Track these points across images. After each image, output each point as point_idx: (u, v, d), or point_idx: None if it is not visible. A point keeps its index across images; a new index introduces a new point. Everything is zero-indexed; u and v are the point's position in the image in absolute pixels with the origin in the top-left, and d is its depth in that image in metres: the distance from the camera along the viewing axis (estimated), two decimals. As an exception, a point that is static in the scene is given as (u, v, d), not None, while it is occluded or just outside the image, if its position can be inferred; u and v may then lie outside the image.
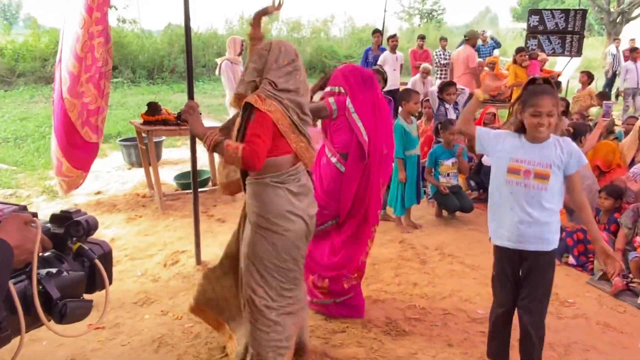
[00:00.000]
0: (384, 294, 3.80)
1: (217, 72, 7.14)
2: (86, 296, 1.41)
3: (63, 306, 1.24)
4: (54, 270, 1.25)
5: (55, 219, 1.38)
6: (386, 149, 3.39)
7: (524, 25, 10.91)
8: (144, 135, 5.57)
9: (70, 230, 1.34)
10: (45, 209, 5.45)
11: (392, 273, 4.14)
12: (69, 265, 1.29)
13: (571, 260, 4.37)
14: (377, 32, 9.20)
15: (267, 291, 2.51)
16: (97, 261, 1.28)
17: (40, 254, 1.23)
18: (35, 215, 1.28)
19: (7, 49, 14.92)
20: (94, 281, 1.31)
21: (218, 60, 7.09)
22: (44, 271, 1.24)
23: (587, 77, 8.10)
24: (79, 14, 4.16)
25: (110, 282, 1.34)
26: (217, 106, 12.38)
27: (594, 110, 8.49)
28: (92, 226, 1.31)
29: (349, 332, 3.28)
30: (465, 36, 9.35)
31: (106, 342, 3.16)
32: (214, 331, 3.23)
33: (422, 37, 11.08)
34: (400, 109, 5.19)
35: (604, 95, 8.89)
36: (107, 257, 1.33)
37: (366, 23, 19.77)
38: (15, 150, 7.63)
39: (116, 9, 17.20)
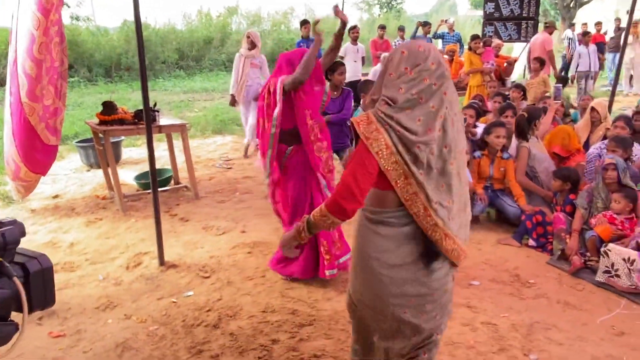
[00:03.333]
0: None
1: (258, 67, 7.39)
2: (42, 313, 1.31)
3: None
4: None
5: None
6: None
7: (482, 12, 11.05)
8: (100, 135, 5.44)
9: None
10: (0, 215, 5.27)
11: (358, 263, 4.16)
12: None
13: (531, 242, 4.47)
14: (305, 23, 9.27)
15: None
16: (15, 279, 1.10)
17: None
18: None
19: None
20: (30, 298, 1.15)
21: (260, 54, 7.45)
22: None
23: (539, 63, 8.25)
24: (32, 13, 4.05)
25: (52, 302, 1.19)
26: (179, 103, 12.20)
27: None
28: (9, 241, 1.13)
29: (317, 324, 3.28)
30: (545, 23, 10.37)
31: (68, 350, 3.07)
32: (179, 333, 3.21)
33: (382, 27, 11.12)
34: (361, 100, 5.20)
35: (564, 80, 9.09)
36: (45, 274, 1.16)
37: (327, 14, 19.67)
38: (-33, 156, 7.33)
39: (68, 7, 16.72)
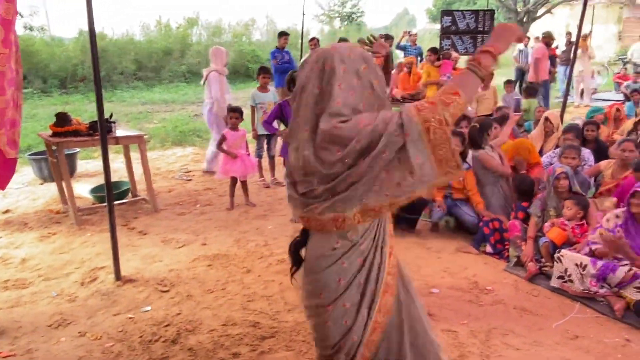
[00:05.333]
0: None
1: (202, 82, 7.11)
2: None
3: None
4: None
5: None
6: None
7: (439, 26, 11.32)
8: (53, 147, 5.28)
9: None
10: (-54, 232, 5.06)
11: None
12: None
13: (488, 248, 4.56)
14: (285, 35, 9.42)
15: None
16: None
17: None
18: None
19: None
20: None
21: (204, 71, 7.06)
22: None
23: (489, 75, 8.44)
24: None
25: None
26: (137, 114, 11.99)
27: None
28: None
29: (278, 336, 3.25)
30: (542, 34, 11.64)
31: (18, 371, 2.96)
32: (137, 349, 3.12)
33: (343, 40, 11.26)
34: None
35: (533, 91, 9.38)
36: None
37: (287, 26, 19.77)
38: None
39: (22, 16, 16.25)
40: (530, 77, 11.24)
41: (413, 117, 1.63)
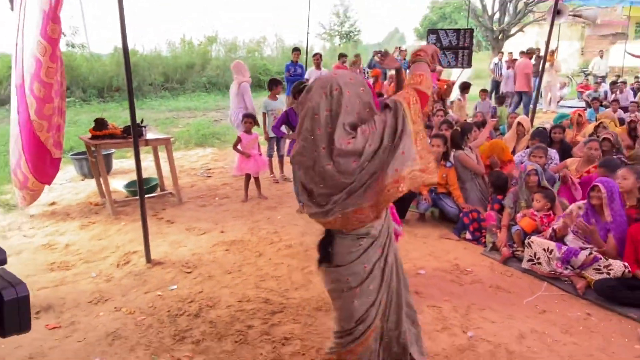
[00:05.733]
0: (315, 277, 3.80)
1: (233, 92, 6.82)
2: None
3: None
4: None
5: None
6: None
7: (425, 43, 11.26)
8: (93, 148, 5.29)
9: None
10: (1, 221, 5.07)
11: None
12: None
13: (468, 236, 4.55)
14: (297, 51, 9.38)
15: None
16: None
17: None
18: None
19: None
20: (2, 324, 1.04)
21: (235, 82, 6.82)
22: None
23: (466, 87, 8.35)
24: (37, 42, 4.01)
25: (27, 328, 1.07)
26: (164, 120, 11.99)
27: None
28: None
29: (286, 311, 3.26)
30: (527, 50, 11.87)
31: (63, 340, 2.97)
32: (164, 322, 3.13)
33: (344, 56, 11.26)
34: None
35: (502, 100, 9.40)
36: (20, 302, 1.05)
37: (294, 43, 19.70)
38: (-31, 169, 7.02)
39: (65, 35, 16.21)
40: (518, 87, 11.23)
41: (397, 102, 1.80)
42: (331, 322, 3.10)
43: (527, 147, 5.70)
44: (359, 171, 1.75)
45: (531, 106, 12.70)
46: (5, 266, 1.09)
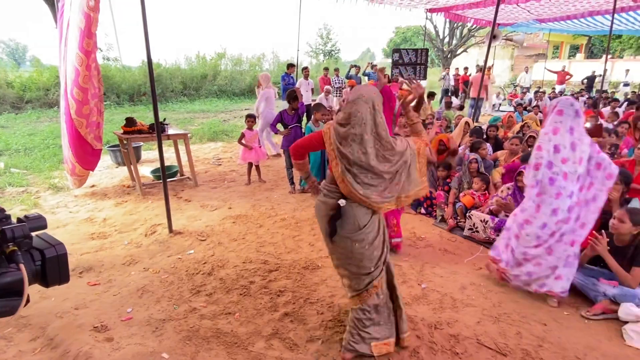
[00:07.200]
0: (304, 244, 3.80)
1: (264, 96, 6.78)
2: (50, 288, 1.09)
3: None
4: None
5: None
6: None
7: (390, 60, 11.20)
8: (125, 142, 5.15)
9: None
10: (50, 201, 4.93)
11: (308, 228, 4.15)
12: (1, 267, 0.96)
13: (422, 210, 4.58)
14: (292, 66, 9.17)
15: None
16: (21, 266, 0.94)
17: None
18: None
19: (15, 82, 13.28)
20: (45, 277, 1.01)
21: (263, 89, 6.85)
22: None
23: (428, 95, 8.39)
24: (76, 55, 3.91)
25: (66, 279, 1.04)
26: (183, 119, 11.75)
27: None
28: (17, 235, 0.96)
29: (280, 270, 3.25)
30: (477, 65, 12.12)
31: (102, 294, 2.92)
32: (184, 279, 3.10)
33: (326, 69, 11.11)
34: (312, 117, 5.16)
35: (448, 105, 9.37)
36: (60, 259, 1.02)
37: (287, 59, 19.40)
38: (25, 158, 6.79)
39: (101, 50, 15.71)
40: (472, 93, 11.25)
41: (413, 146, 2.08)
42: (316, 278, 3.11)
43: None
44: (391, 174, 1.99)
45: (483, 110, 12.97)
46: (47, 231, 1.05)
